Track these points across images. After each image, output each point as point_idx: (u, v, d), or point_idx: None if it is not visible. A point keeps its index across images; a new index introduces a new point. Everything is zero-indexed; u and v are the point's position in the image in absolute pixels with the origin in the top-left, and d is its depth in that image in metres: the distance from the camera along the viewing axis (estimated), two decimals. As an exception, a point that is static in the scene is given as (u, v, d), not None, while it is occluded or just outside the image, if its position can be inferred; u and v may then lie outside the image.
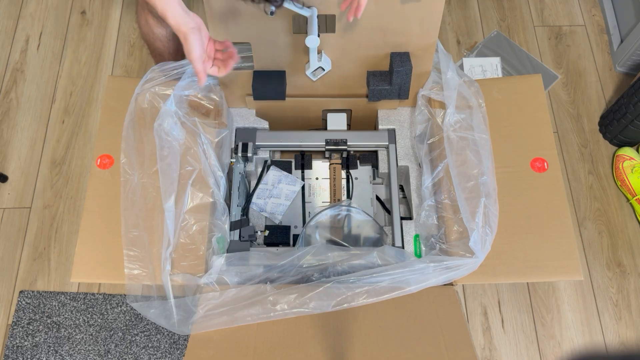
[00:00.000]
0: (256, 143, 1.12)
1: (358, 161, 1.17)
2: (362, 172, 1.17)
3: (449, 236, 0.96)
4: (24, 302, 1.34)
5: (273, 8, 0.79)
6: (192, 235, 0.96)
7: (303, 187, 1.14)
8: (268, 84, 1.07)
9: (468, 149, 0.99)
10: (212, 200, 0.99)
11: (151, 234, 0.95)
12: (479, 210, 0.92)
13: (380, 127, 1.14)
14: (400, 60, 1.02)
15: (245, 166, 1.13)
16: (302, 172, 1.17)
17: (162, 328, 1.31)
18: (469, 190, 0.96)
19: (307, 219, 1.10)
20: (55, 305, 1.33)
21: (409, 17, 0.96)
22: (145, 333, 1.31)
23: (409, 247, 1.02)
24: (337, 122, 1.17)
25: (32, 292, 1.35)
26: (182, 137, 1.00)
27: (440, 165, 1.01)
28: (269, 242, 1.08)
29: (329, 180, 1.16)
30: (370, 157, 1.17)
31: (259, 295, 0.89)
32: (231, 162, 1.09)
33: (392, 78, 1.03)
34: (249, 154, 1.10)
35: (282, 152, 1.24)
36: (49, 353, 1.29)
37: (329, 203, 1.13)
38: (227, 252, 0.99)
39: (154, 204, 0.97)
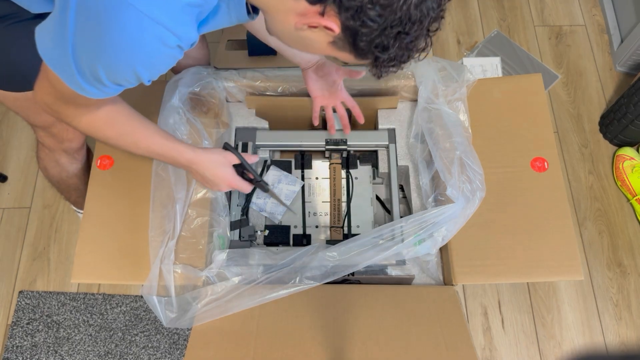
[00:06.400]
0: (256, 143, 1.12)
1: (358, 161, 1.17)
2: (362, 172, 1.16)
3: None
4: (23, 302, 1.33)
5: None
6: (194, 229, 0.96)
7: (303, 187, 1.14)
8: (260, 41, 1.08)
9: (441, 117, 1.01)
10: (214, 197, 1.00)
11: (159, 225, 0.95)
12: (455, 162, 0.94)
13: (380, 126, 1.13)
14: None
15: (245, 166, 1.13)
16: (302, 172, 1.17)
17: (162, 328, 1.31)
18: (444, 149, 0.97)
19: (307, 220, 1.10)
20: (54, 305, 1.33)
21: None
22: (145, 333, 1.30)
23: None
24: (337, 121, 1.17)
25: (32, 292, 1.35)
26: (187, 133, 1.01)
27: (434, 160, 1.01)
28: (269, 242, 1.08)
29: (329, 180, 1.15)
30: (370, 157, 1.17)
31: (253, 282, 0.91)
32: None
33: None
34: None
35: (282, 151, 1.24)
36: (49, 353, 1.29)
37: (329, 203, 1.13)
38: (226, 252, 0.99)
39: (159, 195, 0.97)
